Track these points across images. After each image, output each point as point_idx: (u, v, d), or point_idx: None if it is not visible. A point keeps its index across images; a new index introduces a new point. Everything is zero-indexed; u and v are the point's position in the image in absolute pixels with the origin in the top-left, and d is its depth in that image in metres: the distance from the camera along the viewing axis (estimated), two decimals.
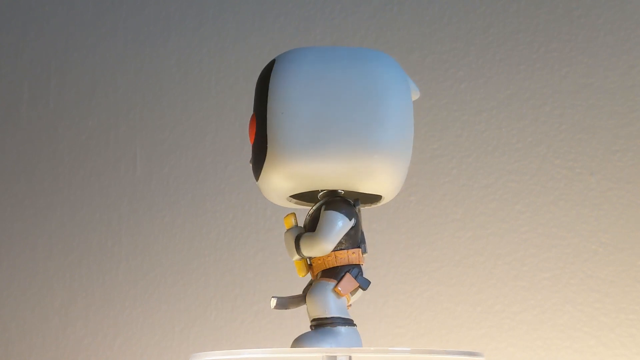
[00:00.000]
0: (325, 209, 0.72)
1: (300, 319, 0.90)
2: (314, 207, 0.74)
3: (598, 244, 1.11)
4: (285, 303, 0.74)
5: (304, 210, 0.75)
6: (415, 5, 1.22)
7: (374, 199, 0.75)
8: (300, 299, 0.73)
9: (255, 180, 0.73)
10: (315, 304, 0.71)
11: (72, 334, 1.26)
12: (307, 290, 0.73)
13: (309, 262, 0.73)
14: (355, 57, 0.72)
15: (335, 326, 0.70)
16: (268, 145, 0.70)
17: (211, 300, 1.22)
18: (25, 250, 1.30)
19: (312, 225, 0.73)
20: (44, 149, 1.32)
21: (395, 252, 1.16)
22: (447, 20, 1.20)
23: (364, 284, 0.71)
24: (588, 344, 1.09)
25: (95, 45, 1.33)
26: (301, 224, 0.74)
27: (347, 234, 0.72)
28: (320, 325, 0.71)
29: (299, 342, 0.70)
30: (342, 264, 0.72)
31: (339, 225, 0.71)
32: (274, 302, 0.73)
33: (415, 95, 0.75)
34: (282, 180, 0.71)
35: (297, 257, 0.73)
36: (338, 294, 0.71)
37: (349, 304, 0.73)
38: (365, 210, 0.76)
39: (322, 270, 0.72)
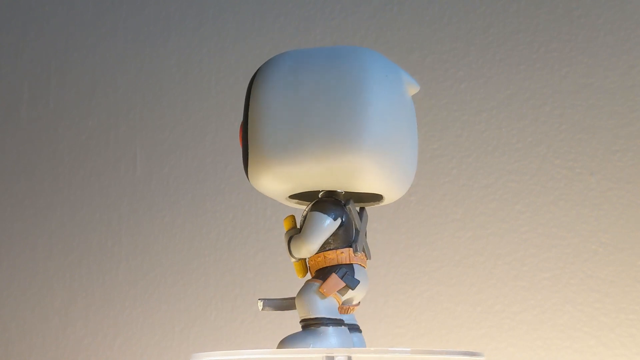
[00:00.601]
0: (311, 210, 0.72)
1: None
2: (306, 209, 0.74)
3: (598, 244, 1.11)
4: (272, 304, 0.74)
5: None
6: (415, 5, 1.22)
7: (377, 197, 0.75)
8: (292, 301, 0.74)
9: None
10: (301, 305, 0.71)
11: (72, 334, 1.26)
12: None
13: (307, 263, 0.74)
14: (332, 56, 0.71)
15: (319, 326, 0.70)
16: (249, 150, 0.72)
17: (211, 300, 1.22)
18: (25, 250, 1.30)
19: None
20: (44, 149, 1.32)
21: (395, 252, 1.16)
22: (447, 20, 1.21)
23: (352, 284, 0.71)
24: (588, 344, 1.09)
25: (95, 45, 1.33)
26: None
27: (334, 234, 0.72)
28: (307, 325, 0.71)
29: (282, 343, 0.70)
30: (331, 264, 0.72)
31: (322, 225, 0.71)
32: (260, 304, 0.74)
33: (413, 89, 0.74)
34: (269, 183, 0.72)
35: (293, 258, 0.73)
36: (323, 294, 0.71)
37: (345, 304, 0.73)
38: (366, 210, 0.76)
39: (315, 271, 0.72)
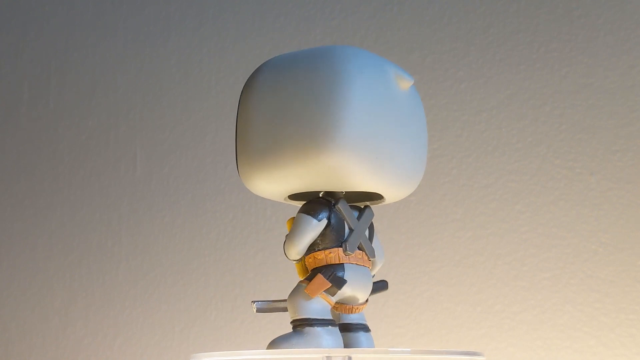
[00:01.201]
0: (298, 212, 0.73)
1: None
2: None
3: (598, 244, 1.11)
4: (266, 307, 0.74)
5: None
6: (415, 5, 1.22)
7: (380, 195, 0.75)
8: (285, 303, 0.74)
9: None
10: (290, 306, 0.72)
11: (72, 334, 1.26)
12: None
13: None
14: (309, 57, 0.71)
15: (304, 327, 0.71)
16: (237, 155, 0.74)
17: (211, 300, 1.22)
18: (25, 250, 1.30)
19: None
20: (44, 149, 1.32)
21: (395, 252, 1.16)
22: (447, 20, 1.20)
23: (338, 284, 0.71)
24: (588, 344, 1.09)
25: (95, 45, 1.33)
26: None
27: (322, 235, 0.72)
28: (295, 326, 0.71)
29: (270, 344, 0.71)
30: (320, 264, 0.72)
31: (305, 227, 0.71)
32: (254, 307, 0.74)
33: (405, 82, 0.72)
34: (258, 186, 0.73)
35: (292, 260, 0.73)
36: (309, 295, 0.71)
37: (349, 303, 0.73)
38: (372, 209, 0.76)
39: (310, 271, 0.73)
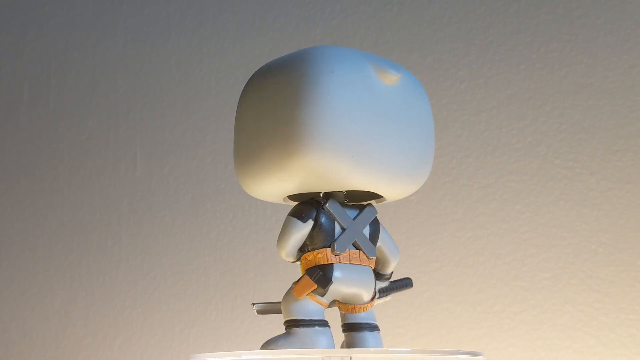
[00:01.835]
0: (287, 214, 0.73)
1: None
2: None
3: (598, 244, 1.11)
4: (265, 308, 0.75)
5: None
6: (415, 5, 1.22)
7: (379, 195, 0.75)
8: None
9: None
10: (282, 307, 0.72)
11: (72, 334, 1.26)
12: None
13: None
14: (287, 60, 0.72)
15: (291, 328, 0.71)
16: (234, 159, 0.75)
17: (211, 300, 1.22)
18: (25, 250, 1.30)
19: None
20: (44, 149, 1.32)
21: None
22: (447, 20, 1.20)
23: (323, 284, 0.71)
24: (588, 344, 1.09)
25: (95, 45, 1.33)
26: None
27: (310, 236, 0.72)
28: (285, 327, 0.72)
29: (262, 345, 0.71)
30: (310, 265, 0.72)
31: (291, 229, 0.72)
32: (255, 309, 0.75)
33: (389, 77, 0.72)
34: (254, 187, 0.73)
35: (287, 261, 0.74)
36: (296, 296, 0.71)
37: (350, 302, 0.73)
38: (374, 207, 0.76)
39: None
